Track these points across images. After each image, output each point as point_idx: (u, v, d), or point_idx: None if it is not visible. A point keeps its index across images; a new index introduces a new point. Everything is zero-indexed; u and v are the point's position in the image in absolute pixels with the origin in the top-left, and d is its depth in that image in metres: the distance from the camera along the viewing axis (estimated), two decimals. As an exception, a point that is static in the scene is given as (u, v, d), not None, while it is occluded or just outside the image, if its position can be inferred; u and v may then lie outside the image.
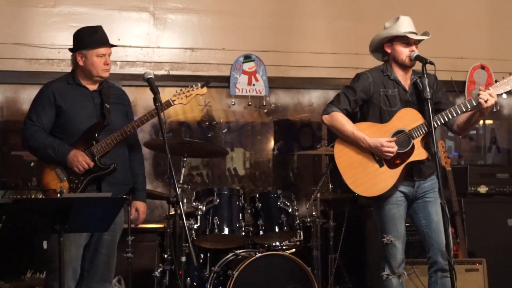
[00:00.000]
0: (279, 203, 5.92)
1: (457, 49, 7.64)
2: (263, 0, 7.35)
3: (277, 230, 5.87)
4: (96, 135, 4.79)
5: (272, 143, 8.25)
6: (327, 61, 7.38)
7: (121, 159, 4.90)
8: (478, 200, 6.94)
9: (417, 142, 4.81)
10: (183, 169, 5.83)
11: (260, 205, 5.93)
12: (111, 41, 4.98)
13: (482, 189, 6.98)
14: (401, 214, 4.91)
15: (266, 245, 6.03)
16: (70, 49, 4.97)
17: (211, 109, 7.83)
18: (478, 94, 4.71)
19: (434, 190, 4.89)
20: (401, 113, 4.88)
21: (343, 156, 4.95)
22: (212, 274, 5.79)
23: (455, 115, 4.80)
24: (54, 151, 4.75)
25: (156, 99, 4.50)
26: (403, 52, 4.90)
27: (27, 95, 6.98)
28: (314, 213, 6.27)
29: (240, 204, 5.93)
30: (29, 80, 6.85)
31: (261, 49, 7.25)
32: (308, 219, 6.25)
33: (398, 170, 4.81)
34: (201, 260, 5.96)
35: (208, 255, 5.99)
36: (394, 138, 4.81)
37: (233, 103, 7.30)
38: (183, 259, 5.54)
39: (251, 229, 5.91)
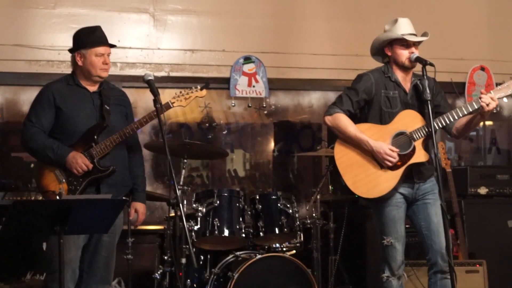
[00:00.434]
0: (279, 204, 5.91)
1: (457, 50, 7.64)
2: (263, 1, 7.35)
3: (277, 231, 5.86)
4: (95, 136, 4.79)
5: (272, 145, 8.26)
6: (327, 62, 7.38)
7: (120, 161, 4.90)
8: (478, 201, 6.95)
9: (418, 144, 4.81)
10: (183, 171, 5.83)
11: (260, 206, 5.93)
12: (111, 43, 4.98)
13: (482, 190, 6.98)
14: (400, 215, 4.91)
15: (266, 247, 6.02)
16: (69, 50, 4.96)
17: (211, 111, 7.83)
18: (480, 97, 4.71)
19: (434, 192, 4.89)
20: (402, 115, 4.89)
21: (344, 157, 4.95)
22: (212, 276, 5.78)
23: (456, 118, 4.80)
24: (53, 153, 4.74)
25: (156, 100, 4.49)
26: (403, 54, 4.91)
27: (27, 96, 6.98)
28: (314, 214, 6.27)
29: (240, 205, 5.93)
30: (29, 82, 6.85)
31: (261, 51, 7.25)
32: (308, 221, 6.24)
33: (399, 172, 4.81)
34: (201, 262, 5.95)
35: (208, 256, 5.99)
36: (398, 150, 4.80)
37: (233, 104, 7.30)
38: (183, 260, 5.54)
39: (251, 230, 5.91)
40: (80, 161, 4.72)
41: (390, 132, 4.87)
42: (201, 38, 7.19)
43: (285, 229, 5.85)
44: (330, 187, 6.70)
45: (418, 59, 4.83)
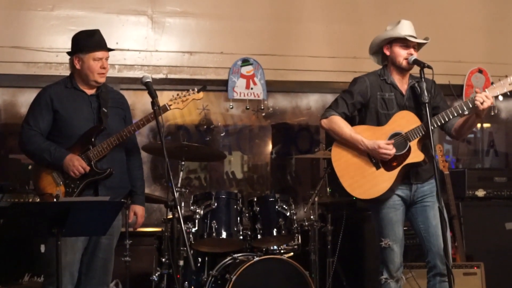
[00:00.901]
0: (277, 206, 5.92)
1: (455, 53, 7.65)
2: (261, 4, 7.36)
3: (275, 234, 5.87)
4: (92, 139, 4.79)
5: (270, 147, 8.25)
6: (325, 64, 7.38)
7: (118, 163, 4.90)
8: (476, 203, 6.95)
9: (413, 144, 4.82)
10: (181, 173, 5.83)
11: (258, 208, 5.93)
12: (109, 45, 4.98)
13: (480, 192, 6.99)
14: (398, 218, 4.92)
15: (264, 249, 6.03)
16: (68, 53, 4.96)
17: (209, 113, 7.83)
18: (474, 96, 4.71)
19: (433, 194, 4.89)
20: (398, 116, 4.90)
21: (341, 159, 4.96)
22: (210, 278, 5.78)
23: (451, 117, 4.80)
24: (50, 155, 4.74)
25: (154, 103, 4.49)
26: (401, 55, 4.91)
27: (25, 98, 6.97)
28: (312, 216, 6.27)
29: (238, 208, 5.93)
30: (27, 84, 6.85)
31: (259, 53, 7.26)
32: (306, 223, 6.24)
33: (395, 172, 4.82)
34: (199, 264, 5.95)
35: (206, 259, 5.99)
36: (392, 141, 4.82)
37: (231, 106, 7.30)
38: (181, 263, 5.54)
39: (249, 233, 5.91)
40: (77, 164, 4.72)
41: (386, 133, 4.88)
42: (199, 40, 7.19)
43: (283, 231, 5.85)
44: (328, 189, 6.70)
45: (416, 62, 4.84)
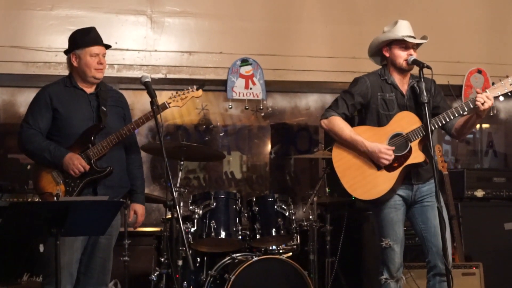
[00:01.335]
0: (276, 206, 5.92)
1: (454, 53, 7.65)
2: (260, 4, 7.36)
3: (274, 233, 5.87)
4: (92, 138, 4.79)
5: (269, 147, 8.26)
6: (324, 65, 7.38)
7: (117, 162, 4.90)
8: (475, 204, 6.96)
9: (414, 145, 4.82)
10: (180, 173, 5.83)
11: (257, 208, 5.93)
12: (108, 44, 4.98)
13: (479, 193, 6.99)
14: (399, 218, 4.92)
15: (262, 249, 6.02)
16: (65, 51, 4.97)
17: (208, 113, 7.83)
18: (475, 97, 4.72)
19: (433, 194, 4.87)
20: (399, 116, 4.89)
21: (341, 160, 4.96)
22: (208, 278, 5.78)
23: (452, 117, 4.80)
24: (50, 154, 4.74)
25: (153, 102, 4.49)
26: (401, 56, 4.91)
27: (24, 98, 6.97)
28: (311, 216, 6.27)
29: (237, 207, 5.93)
30: (26, 83, 6.85)
31: (258, 53, 7.26)
32: (305, 223, 6.24)
33: (396, 173, 4.82)
34: (197, 264, 5.95)
35: (205, 258, 5.99)
36: (393, 148, 4.81)
37: (230, 106, 7.31)
38: (180, 262, 5.54)
39: (248, 232, 5.91)
40: (76, 162, 4.72)
41: (386, 134, 4.88)
42: (198, 40, 7.19)
43: (282, 231, 5.85)
44: (327, 189, 6.70)
45: (415, 62, 4.84)
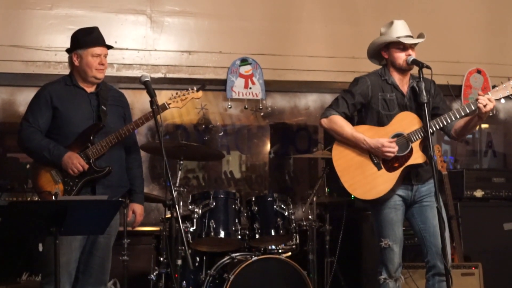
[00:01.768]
0: (275, 206, 5.92)
1: (453, 53, 7.65)
2: (260, 3, 7.36)
3: (273, 233, 5.87)
4: (91, 137, 4.79)
5: (268, 147, 8.24)
6: (324, 64, 7.38)
7: (117, 162, 4.90)
8: (474, 204, 6.96)
9: (415, 145, 4.82)
10: (179, 172, 5.83)
11: (256, 208, 5.93)
12: (108, 44, 4.98)
13: (478, 193, 6.99)
14: (399, 218, 4.92)
15: (262, 249, 6.02)
16: (66, 50, 4.97)
17: (207, 112, 7.82)
18: (477, 99, 4.72)
19: (432, 194, 4.88)
20: (400, 116, 4.89)
21: (341, 159, 4.95)
22: (208, 278, 5.78)
23: (453, 119, 4.80)
24: (49, 153, 4.74)
25: (152, 102, 4.49)
26: (400, 57, 4.91)
27: (23, 97, 6.97)
28: (310, 216, 6.27)
29: (236, 207, 5.93)
30: (26, 82, 6.85)
31: (258, 53, 7.26)
32: (304, 223, 6.24)
33: (396, 173, 4.82)
34: (197, 263, 5.95)
35: (204, 258, 5.99)
36: (395, 139, 4.82)
37: (229, 106, 7.31)
38: (179, 262, 5.55)
39: (247, 232, 5.91)
40: (75, 161, 4.72)
41: (387, 134, 4.87)
42: (198, 40, 7.20)
43: (281, 231, 5.85)
44: (326, 189, 6.69)
45: (415, 62, 4.84)
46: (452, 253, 6.37)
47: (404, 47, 4.92)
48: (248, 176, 8.21)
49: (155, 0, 7.11)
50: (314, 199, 6.31)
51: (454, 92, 7.66)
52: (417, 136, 4.81)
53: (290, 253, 6.13)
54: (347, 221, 6.56)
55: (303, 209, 6.41)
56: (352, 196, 4.98)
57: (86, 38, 4.87)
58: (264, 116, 7.99)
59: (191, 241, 5.76)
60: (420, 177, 4.93)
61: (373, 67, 5.15)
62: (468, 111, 4.78)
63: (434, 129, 4.81)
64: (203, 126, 7.89)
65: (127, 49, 6.99)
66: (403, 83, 4.99)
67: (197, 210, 5.81)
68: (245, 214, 5.99)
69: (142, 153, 5.77)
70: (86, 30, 4.93)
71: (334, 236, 6.50)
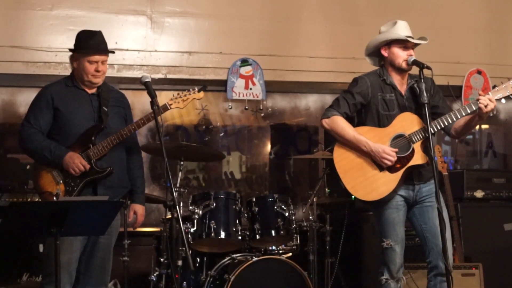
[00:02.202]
0: (275, 207, 5.92)
1: (453, 53, 7.65)
2: (260, 4, 7.36)
3: (273, 234, 5.87)
4: (92, 138, 4.79)
5: (268, 147, 8.24)
6: (324, 65, 7.39)
7: (118, 162, 4.90)
8: (475, 204, 6.96)
9: (417, 146, 4.81)
10: (180, 173, 5.83)
11: (256, 209, 5.93)
12: (109, 45, 4.97)
13: (479, 193, 6.99)
14: (400, 218, 4.91)
15: (262, 249, 6.02)
16: (70, 49, 4.96)
17: (208, 113, 7.82)
18: (478, 99, 4.72)
19: (434, 195, 4.86)
20: (401, 117, 4.88)
21: (343, 160, 4.94)
22: (208, 278, 5.78)
23: (454, 119, 4.80)
24: (50, 153, 4.74)
25: (153, 102, 4.49)
26: (401, 56, 4.90)
27: (24, 98, 6.97)
28: (310, 217, 6.27)
29: (237, 208, 5.93)
30: (26, 83, 6.86)
31: (258, 53, 7.26)
32: (305, 223, 6.24)
33: (398, 175, 4.81)
34: (197, 264, 5.95)
35: (205, 259, 5.99)
36: (396, 150, 4.81)
37: (230, 107, 7.31)
38: (180, 263, 5.54)
39: (247, 233, 5.91)
40: (77, 161, 4.72)
41: (388, 135, 4.87)
42: (198, 41, 7.20)
43: (282, 232, 5.85)
44: (326, 189, 6.70)
45: (416, 62, 4.83)
46: (453, 253, 6.37)
47: (405, 46, 4.91)
48: (248, 176, 8.21)
49: (155, 1, 7.11)
50: (315, 199, 6.31)
51: (454, 92, 7.66)
52: (418, 137, 4.81)
53: (290, 254, 6.13)
54: (348, 221, 6.56)
55: (304, 210, 6.41)
56: (353, 196, 4.97)
57: (86, 44, 4.85)
58: (264, 117, 7.99)
59: (191, 242, 5.76)
60: (422, 177, 4.92)
61: (373, 67, 5.14)
62: (469, 111, 4.78)
63: (435, 129, 4.80)
64: (204, 126, 7.89)
65: (127, 49, 6.99)
66: (401, 83, 4.98)
67: (198, 210, 5.81)
68: (246, 215, 5.99)
69: (143, 153, 5.76)
70: (88, 34, 4.91)
71: (335, 237, 6.50)
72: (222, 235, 5.79)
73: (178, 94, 5.01)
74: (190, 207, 5.87)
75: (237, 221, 5.88)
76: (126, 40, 6.99)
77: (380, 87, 4.95)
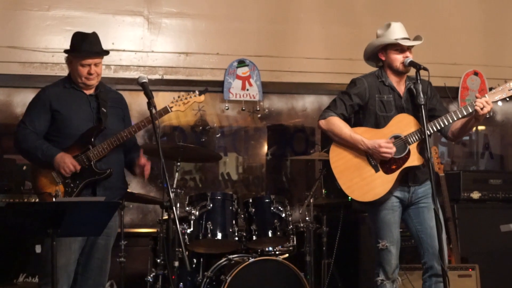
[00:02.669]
0: (272, 208, 5.91)
1: (450, 55, 7.66)
2: (257, 5, 7.36)
3: (270, 235, 5.87)
4: (92, 139, 4.79)
5: (265, 148, 8.24)
6: (321, 66, 7.39)
7: (116, 163, 4.90)
8: (471, 206, 6.96)
9: (413, 147, 4.82)
10: (177, 174, 5.83)
11: (253, 210, 5.93)
12: (105, 45, 4.97)
13: (475, 195, 6.99)
14: (396, 219, 4.92)
15: (259, 250, 6.02)
16: (65, 51, 4.96)
17: (204, 114, 7.82)
18: (474, 101, 4.73)
19: (429, 196, 4.88)
20: (397, 118, 4.89)
21: (339, 161, 4.95)
22: (205, 279, 5.78)
23: (450, 121, 4.81)
24: (42, 153, 4.74)
25: (150, 103, 4.49)
26: (397, 59, 4.92)
27: (20, 98, 6.96)
28: (307, 218, 6.26)
29: (234, 209, 5.93)
30: (23, 84, 6.84)
31: (255, 54, 7.26)
32: (301, 224, 6.24)
33: (394, 176, 4.82)
34: (194, 265, 5.95)
35: (201, 260, 5.98)
36: (392, 140, 4.82)
37: (226, 107, 7.31)
38: (176, 263, 5.55)
39: (244, 234, 5.91)
40: (68, 161, 4.71)
41: (385, 136, 4.87)
42: (195, 41, 7.20)
43: (278, 233, 5.85)
44: (323, 190, 6.70)
45: (412, 64, 4.84)
46: (449, 254, 6.38)
47: (401, 49, 4.92)
48: (245, 177, 8.21)
49: (152, 2, 7.11)
50: (311, 200, 6.31)
51: (451, 94, 7.66)
52: (414, 138, 4.81)
53: (287, 255, 6.13)
54: (345, 222, 6.57)
55: (300, 211, 6.41)
56: (350, 198, 4.98)
57: (79, 46, 4.85)
58: (261, 118, 7.99)
59: (188, 243, 5.76)
60: (417, 179, 4.93)
61: (371, 69, 5.15)
62: (465, 113, 4.79)
63: (432, 131, 4.81)
64: (200, 127, 7.89)
65: (124, 50, 6.99)
66: (400, 85, 4.99)
67: (194, 211, 5.81)
68: (242, 216, 5.99)
69: (140, 154, 5.77)
70: (80, 36, 4.90)
71: (331, 238, 6.50)
72: (219, 236, 5.79)
73: (179, 97, 5.00)
74: (187, 208, 5.86)
75: (234, 222, 5.88)
76: (123, 41, 6.99)
77: (377, 88, 4.96)
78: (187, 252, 5.75)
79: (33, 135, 4.81)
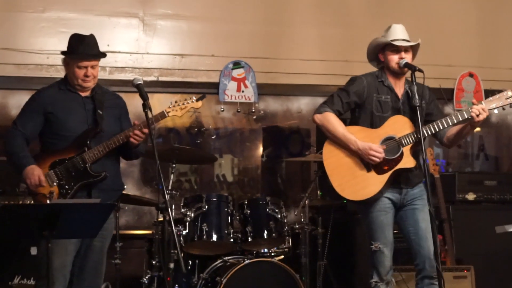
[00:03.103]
0: (267, 209, 5.92)
1: (445, 56, 7.67)
2: (252, 6, 7.36)
3: (265, 236, 5.87)
4: (88, 141, 4.78)
5: (261, 150, 8.25)
6: (317, 68, 7.39)
7: (111, 165, 4.89)
8: (466, 207, 6.97)
9: (406, 149, 4.82)
10: (172, 175, 5.83)
11: (248, 211, 5.93)
12: (101, 47, 4.96)
13: (470, 196, 7.01)
14: (389, 221, 4.92)
15: (254, 252, 6.03)
16: (62, 52, 4.95)
17: (200, 116, 7.82)
18: (471, 107, 4.74)
19: (422, 197, 4.90)
20: (393, 120, 4.90)
21: (332, 158, 4.95)
22: (200, 281, 5.78)
23: (446, 126, 4.82)
24: (17, 159, 4.73)
25: (145, 105, 4.48)
26: (393, 60, 4.92)
27: (15, 100, 6.95)
28: (302, 219, 6.28)
29: (229, 210, 5.93)
30: (18, 86, 6.83)
31: (251, 56, 7.26)
32: (297, 226, 6.25)
33: (385, 176, 4.82)
34: (189, 267, 5.95)
35: (197, 261, 5.99)
36: (384, 146, 4.82)
37: (222, 109, 7.31)
38: (172, 265, 5.54)
39: (239, 235, 5.91)
40: (36, 173, 4.68)
41: (379, 136, 4.88)
42: (191, 43, 7.20)
43: (274, 234, 5.86)
44: (318, 192, 6.70)
45: (407, 65, 4.85)
46: (444, 256, 6.39)
47: (397, 50, 4.93)
48: (240, 179, 8.21)
49: (147, 3, 7.11)
50: (307, 202, 6.32)
51: (446, 95, 7.66)
52: (408, 140, 4.82)
53: (282, 256, 6.13)
54: (340, 224, 6.57)
55: (296, 212, 6.42)
56: (344, 200, 4.98)
57: (76, 48, 4.84)
58: (256, 119, 7.99)
59: (183, 245, 5.76)
60: (410, 182, 4.93)
61: (366, 70, 5.14)
62: (461, 119, 4.79)
63: (427, 134, 4.81)
64: (196, 129, 7.89)
65: (119, 52, 6.98)
66: (398, 87, 5.00)
67: (190, 213, 5.81)
68: (238, 218, 5.99)
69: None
70: (79, 38, 4.90)
71: (327, 239, 6.50)
72: (214, 237, 5.79)
73: (176, 101, 4.98)
74: (182, 210, 5.87)
75: (229, 224, 5.88)
76: (118, 43, 6.98)
77: (376, 88, 4.97)
78: (182, 254, 5.75)
79: (19, 138, 4.79)
